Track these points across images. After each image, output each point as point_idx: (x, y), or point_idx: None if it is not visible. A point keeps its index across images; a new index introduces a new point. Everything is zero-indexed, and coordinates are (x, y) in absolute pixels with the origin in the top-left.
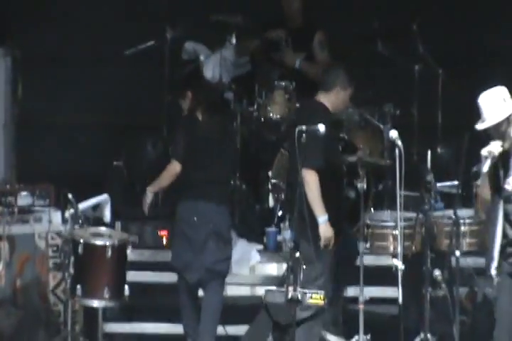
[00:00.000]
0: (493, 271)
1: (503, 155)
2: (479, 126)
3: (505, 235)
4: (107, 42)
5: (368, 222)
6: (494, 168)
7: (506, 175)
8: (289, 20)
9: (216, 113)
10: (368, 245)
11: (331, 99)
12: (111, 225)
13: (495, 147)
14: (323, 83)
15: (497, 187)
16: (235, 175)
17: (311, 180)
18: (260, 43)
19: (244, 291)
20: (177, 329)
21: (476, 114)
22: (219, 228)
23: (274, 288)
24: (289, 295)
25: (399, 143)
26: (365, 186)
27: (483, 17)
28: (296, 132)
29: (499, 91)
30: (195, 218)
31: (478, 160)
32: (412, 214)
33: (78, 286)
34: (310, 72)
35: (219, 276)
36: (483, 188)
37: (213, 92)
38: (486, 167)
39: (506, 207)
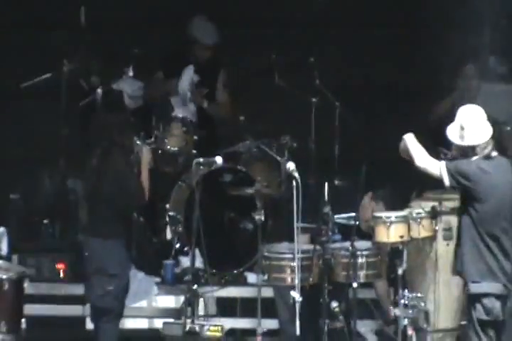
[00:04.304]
0: None
1: None
2: (468, 142)
3: None
4: (3, 75)
5: (266, 253)
6: None
7: None
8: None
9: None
10: (265, 277)
11: None
12: (7, 258)
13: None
14: None
15: None
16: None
17: None
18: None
19: (142, 324)
20: None
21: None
22: (103, 263)
23: (171, 320)
24: (187, 328)
25: (296, 175)
26: (262, 218)
27: (380, 50)
28: (194, 164)
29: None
30: (86, 253)
31: None
32: (310, 246)
33: None
34: (215, 113)
35: (104, 313)
36: None
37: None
38: None
39: None
